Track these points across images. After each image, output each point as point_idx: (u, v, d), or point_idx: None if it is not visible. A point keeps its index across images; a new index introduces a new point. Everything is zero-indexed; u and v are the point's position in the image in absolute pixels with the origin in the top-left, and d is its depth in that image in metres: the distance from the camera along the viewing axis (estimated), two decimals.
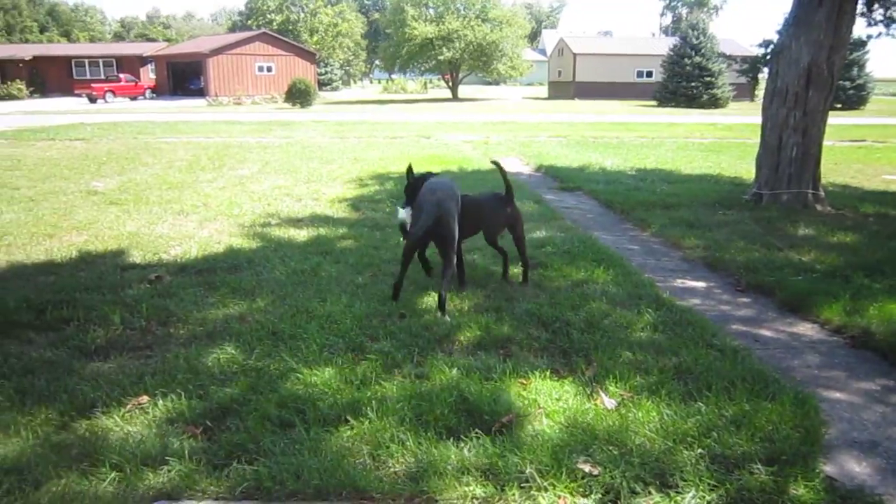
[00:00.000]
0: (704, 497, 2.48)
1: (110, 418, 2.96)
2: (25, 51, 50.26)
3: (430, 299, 4.49)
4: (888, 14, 8.17)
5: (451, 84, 49.69)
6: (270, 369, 3.42)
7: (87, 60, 49.80)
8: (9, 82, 44.17)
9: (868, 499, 2.52)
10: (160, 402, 3.09)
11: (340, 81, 64.49)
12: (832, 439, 2.95)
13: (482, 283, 4.92)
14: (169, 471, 2.58)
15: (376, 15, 65.57)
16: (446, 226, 4.26)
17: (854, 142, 17.68)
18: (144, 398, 3.13)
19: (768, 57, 8.49)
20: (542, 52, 79.35)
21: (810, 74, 7.72)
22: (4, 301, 4.31)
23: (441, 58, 45.11)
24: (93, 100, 39.77)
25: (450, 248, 4.30)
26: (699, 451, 2.73)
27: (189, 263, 5.39)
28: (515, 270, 5.11)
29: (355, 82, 76.66)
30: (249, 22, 60.32)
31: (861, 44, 34.52)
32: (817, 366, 3.77)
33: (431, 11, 46.68)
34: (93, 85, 41.85)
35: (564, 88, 53.26)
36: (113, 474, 2.55)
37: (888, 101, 49.28)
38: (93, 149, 14.19)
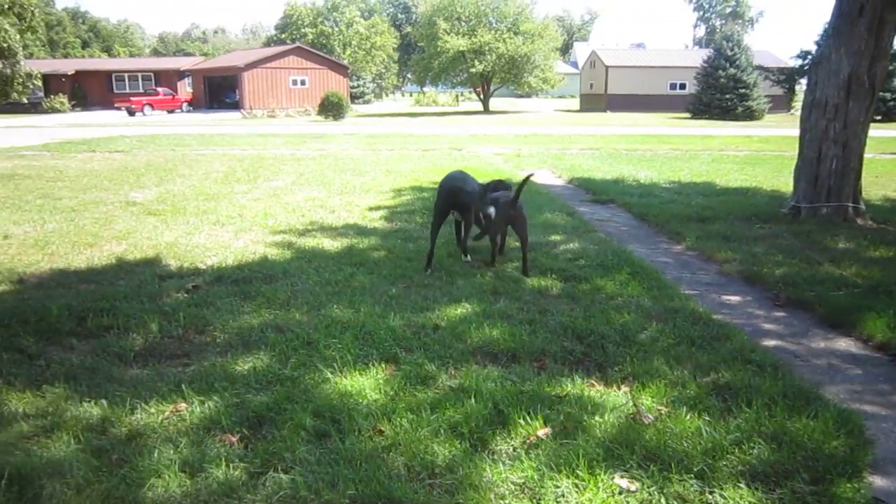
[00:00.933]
0: None
1: (149, 425, 3.01)
2: (68, 66, 51.76)
3: (462, 311, 4.49)
4: None
5: (482, 97, 49.80)
6: (305, 379, 3.45)
7: (126, 75, 51.06)
8: (52, 96, 45.46)
9: None
10: (197, 410, 3.13)
11: (372, 94, 65.11)
12: (878, 458, 2.86)
13: (515, 294, 4.90)
14: (206, 478, 2.61)
15: (408, 28, 66.06)
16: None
17: (895, 154, 17.27)
18: (182, 405, 3.18)
19: (806, 68, 8.37)
20: (574, 64, 79.18)
21: (850, 85, 7.58)
22: (48, 308, 4.42)
23: (473, 70, 45.25)
24: (132, 113, 40.71)
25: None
26: (739, 467, 2.68)
27: (225, 273, 5.46)
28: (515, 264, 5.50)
29: (387, 95, 77.33)
30: (284, 36, 61.27)
31: None
32: (861, 382, 3.68)
33: (464, 24, 46.89)
34: (132, 98, 42.84)
35: (596, 101, 53.03)
36: (152, 480, 2.59)
37: None
38: (132, 161, 14.52)
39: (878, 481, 2.71)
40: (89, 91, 49.14)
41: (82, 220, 7.77)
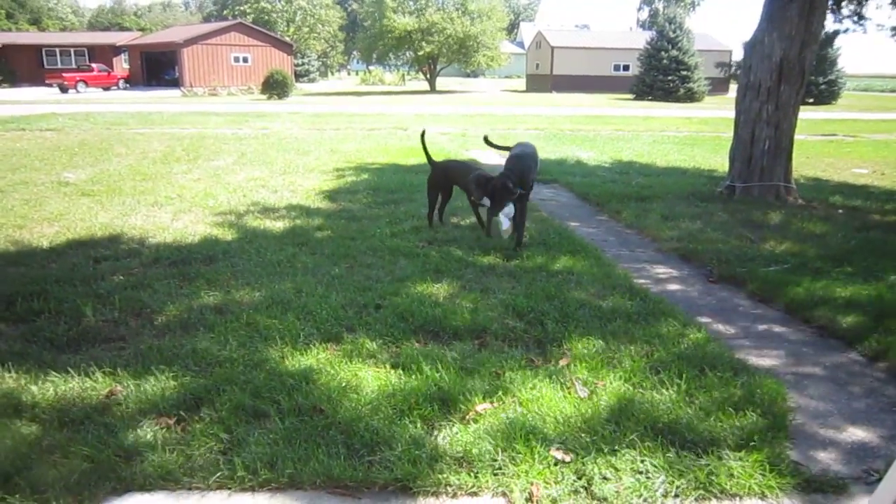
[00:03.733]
0: (674, 482, 2.53)
1: (81, 410, 2.94)
2: None
3: (405, 290, 4.50)
4: (858, 11, 8.33)
5: (428, 76, 49.55)
6: (245, 360, 3.42)
7: (58, 49, 48.81)
8: None
9: (832, 482, 2.59)
10: (133, 393, 3.07)
11: (318, 73, 63.86)
12: (798, 424, 3.01)
13: (458, 273, 4.94)
14: (142, 461, 2.57)
15: (354, 5, 64.98)
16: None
17: (825, 136, 17.96)
18: (118, 389, 3.11)
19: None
20: (521, 44, 79.30)
21: (782, 69, 7.84)
22: None
23: (421, 52, 44.92)
24: (64, 90, 39.02)
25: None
26: (669, 436, 2.78)
27: (163, 255, 5.34)
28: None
29: (332, 73, 76.11)
30: (226, 12, 59.49)
31: (830, 39, 35.07)
32: (786, 353, 3.85)
33: (411, 4, 46.44)
34: (64, 75, 40.99)
35: (542, 81, 53.35)
36: (84, 465, 2.54)
37: (859, 97, 50.07)
38: (64, 139, 13.96)
39: (796, 445, 2.85)
40: (17, 66, 46.80)
41: (11, 201, 7.46)
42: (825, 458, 2.78)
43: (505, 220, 5.86)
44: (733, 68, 35.06)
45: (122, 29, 73.49)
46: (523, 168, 5.73)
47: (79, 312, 4.06)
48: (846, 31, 8.46)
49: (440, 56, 46.73)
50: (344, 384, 3.15)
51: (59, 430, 2.79)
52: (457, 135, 16.61)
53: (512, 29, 79.79)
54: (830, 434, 2.96)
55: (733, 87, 40.27)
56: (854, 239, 6.18)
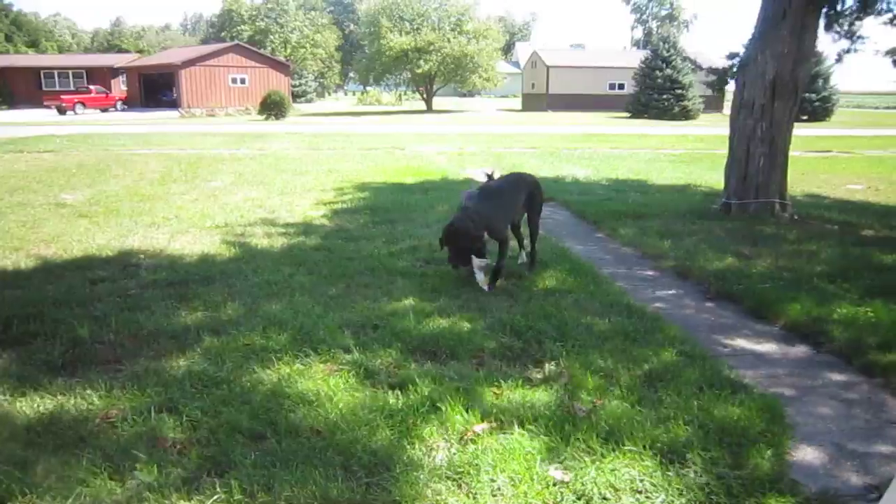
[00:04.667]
0: (674, 501, 2.52)
1: (77, 433, 2.92)
2: None
3: (402, 309, 4.50)
4: (849, 30, 8.41)
5: (425, 96, 49.85)
6: (242, 381, 3.40)
7: (56, 71, 49.09)
8: None
9: (832, 501, 2.57)
10: (129, 416, 3.05)
11: (315, 93, 64.29)
12: (796, 442, 3.00)
13: (455, 293, 4.94)
14: (138, 485, 2.55)
15: (351, 27, 65.53)
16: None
17: (820, 152, 18.07)
18: (113, 411, 3.10)
19: (734, 69, 8.66)
20: (516, 64, 79.90)
21: (776, 86, 7.90)
22: None
23: (418, 70, 45.24)
24: (62, 111, 39.16)
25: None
26: (668, 455, 2.77)
27: (160, 276, 5.33)
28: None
29: (329, 94, 76.52)
30: (223, 34, 59.92)
31: (823, 59, 35.40)
32: (783, 370, 3.84)
33: (407, 24, 46.85)
34: (62, 96, 41.20)
35: (538, 100, 53.69)
36: (79, 489, 2.52)
37: (852, 113, 50.47)
38: (62, 161, 13.99)
39: (795, 463, 2.84)
40: (16, 88, 47.04)
41: (7, 223, 7.46)
42: (824, 475, 2.77)
43: (479, 273, 5.01)
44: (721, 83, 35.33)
45: (121, 51, 73.86)
46: (493, 207, 5.03)
47: (75, 334, 4.04)
48: (847, 51, 8.52)
49: (437, 75, 47.06)
50: (341, 405, 3.14)
51: (55, 453, 2.77)
52: (454, 154, 16.67)
53: (507, 49, 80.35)
54: (829, 451, 2.95)
55: (728, 105, 40.64)
56: (850, 255, 6.19)
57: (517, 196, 5.44)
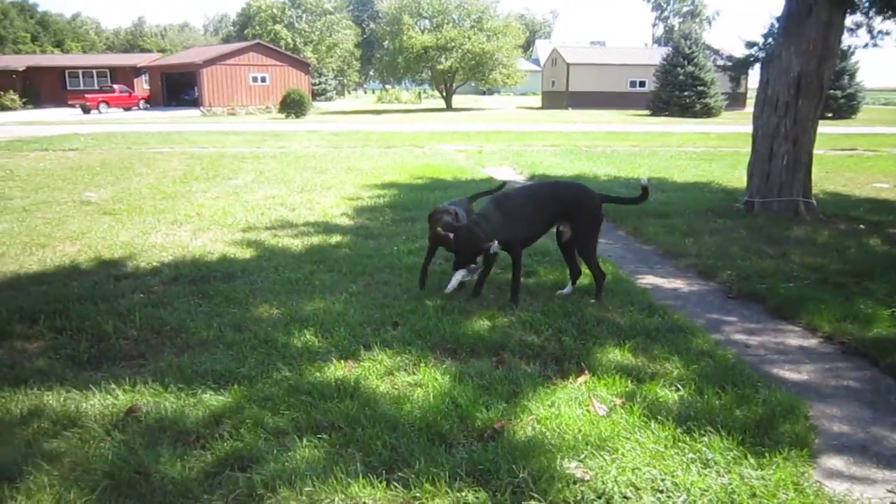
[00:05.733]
0: (695, 501, 2.50)
1: (102, 426, 2.96)
2: (19, 61, 50.20)
3: (422, 307, 4.50)
4: (873, 30, 8.29)
5: (444, 94, 49.84)
6: (264, 377, 3.43)
7: (80, 71, 49.75)
8: (1, 93, 44.03)
9: None
10: (153, 411, 3.09)
11: (335, 91, 64.52)
12: (821, 444, 2.97)
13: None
14: (161, 479, 2.58)
15: (371, 25, 65.67)
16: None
17: (845, 150, 17.80)
18: (138, 405, 3.14)
19: (752, 59, 8.56)
20: (536, 61, 79.63)
21: (800, 83, 7.79)
22: None
23: (439, 67, 45.25)
24: (86, 110, 39.70)
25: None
26: (690, 455, 2.75)
27: (183, 273, 5.39)
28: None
29: (349, 92, 76.78)
30: (246, 32, 60.31)
31: (849, 53, 34.79)
32: (807, 371, 3.80)
33: (427, 22, 46.89)
34: (86, 95, 41.76)
35: (558, 98, 53.46)
36: (105, 482, 2.55)
37: (878, 111, 49.63)
38: (86, 159, 14.19)
39: (820, 466, 2.80)
40: (42, 88, 47.74)
41: (34, 220, 7.58)
42: (849, 478, 2.73)
43: (456, 278, 4.65)
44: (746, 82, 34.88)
45: (143, 50, 74.80)
46: (504, 218, 4.54)
47: (100, 330, 4.11)
48: (865, 46, 8.39)
49: (457, 73, 47.02)
50: (362, 402, 3.16)
51: (81, 447, 2.81)
52: (473, 152, 16.66)
53: (527, 46, 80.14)
54: (855, 454, 2.91)
55: (750, 103, 40.18)
56: (876, 254, 6.10)
57: (542, 209, 4.70)
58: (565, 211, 4.68)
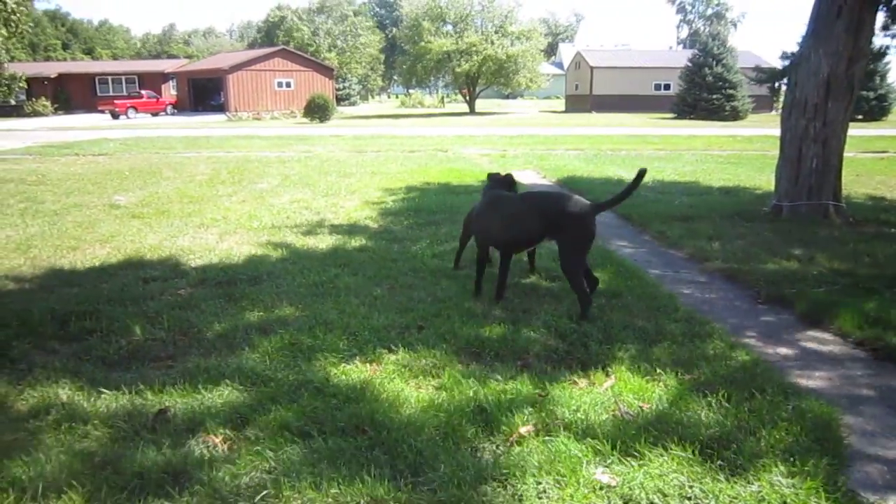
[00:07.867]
0: None
1: (131, 427, 3.00)
2: (50, 68, 51.29)
3: (447, 311, 4.50)
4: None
5: (468, 98, 49.90)
6: (289, 379, 3.45)
7: (110, 77, 50.65)
8: (34, 99, 44.97)
9: None
10: (181, 412, 3.12)
11: (358, 96, 64.90)
12: (852, 452, 2.91)
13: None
14: (190, 479, 2.61)
15: (394, 30, 66.04)
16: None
17: (876, 153, 17.48)
18: (167, 406, 3.17)
19: (786, 69, 8.45)
20: (559, 65, 79.36)
21: (829, 85, 7.67)
22: (30, 312, 4.39)
23: (458, 70, 45.32)
24: (115, 116, 40.39)
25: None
26: (719, 462, 2.71)
27: (209, 275, 5.45)
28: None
29: (373, 97, 77.20)
30: (277, 37, 60.92)
31: (881, 54, 34.16)
32: (838, 378, 3.73)
33: (449, 27, 47.01)
34: (115, 101, 42.49)
35: (581, 102, 53.24)
36: (135, 482, 2.58)
37: None
38: (115, 164, 14.43)
39: (853, 473, 2.75)
40: (72, 94, 48.70)
41: (65, 223, 7.72)
42: (883, 486, 2.68)
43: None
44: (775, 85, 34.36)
45: (171, 56, 75.91)
46: (489, 218, 4.86)
47: (129, 331, 4.16)
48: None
49: (480, 77, 47.04)
50: (387, 405, 3.16)
51: (111, 446, 2.85)
52: (497, 156, 16.65)
53: (551, 50, 79.90)
54: (889, 462, 2.85)
55: (779, 105, 39.53)
56: None
57: (529, 219, 4.53)
58: (549, 224, 4.44)
